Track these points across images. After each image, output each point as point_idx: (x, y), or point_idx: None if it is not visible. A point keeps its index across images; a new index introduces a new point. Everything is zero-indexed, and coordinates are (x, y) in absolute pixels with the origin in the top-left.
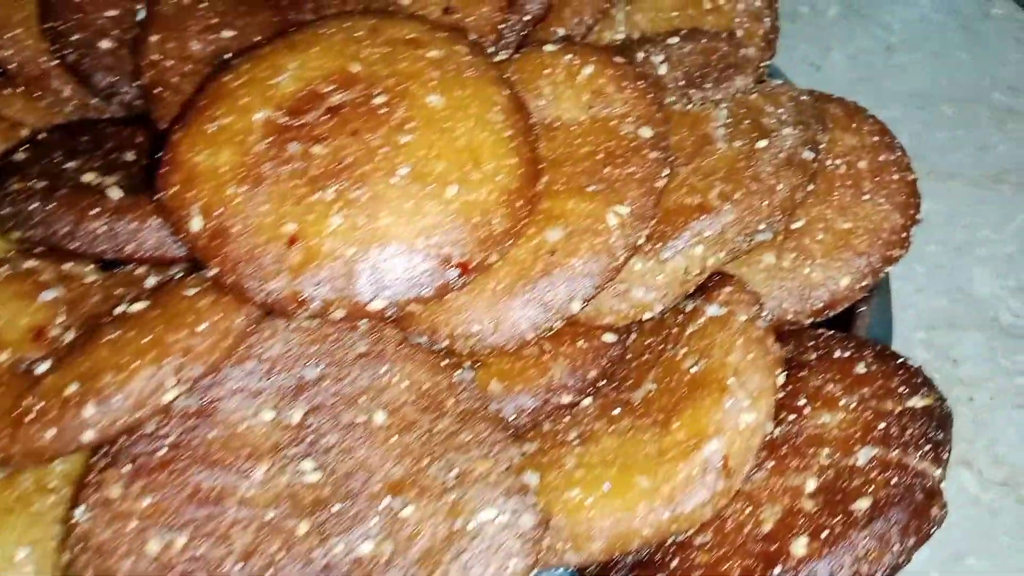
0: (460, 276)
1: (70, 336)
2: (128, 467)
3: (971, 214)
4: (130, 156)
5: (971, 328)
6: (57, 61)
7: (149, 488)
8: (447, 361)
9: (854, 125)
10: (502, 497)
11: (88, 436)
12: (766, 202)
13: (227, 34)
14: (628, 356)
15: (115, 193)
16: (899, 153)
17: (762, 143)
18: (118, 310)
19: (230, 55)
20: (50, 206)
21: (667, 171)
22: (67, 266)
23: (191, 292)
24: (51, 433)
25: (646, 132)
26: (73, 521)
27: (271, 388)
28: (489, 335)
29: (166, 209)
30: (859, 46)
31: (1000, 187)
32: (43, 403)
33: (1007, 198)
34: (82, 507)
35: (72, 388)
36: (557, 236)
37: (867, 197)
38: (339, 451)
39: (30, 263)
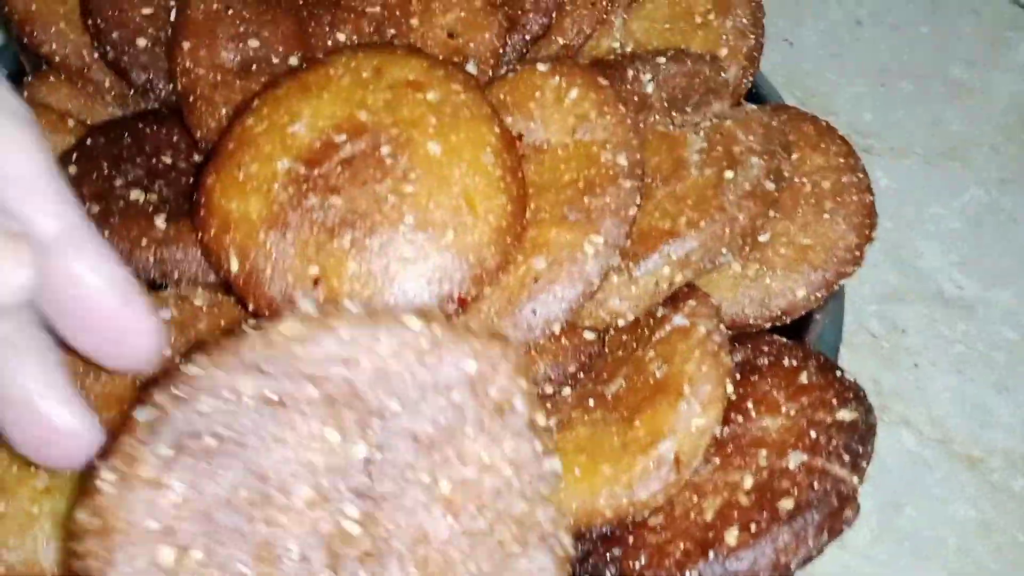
0: (458, 309)
1: None
2: (168, 451)
3: (923, 190)
4: (168, 159)
5: (917, 300)
6: (98, 55)
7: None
8: None
9: (823, 145)
10: None
11: None
12: (728, 230)
13: (253, 44)
14: (605, 351)
15: (161, 223)
16: (861, 175)
17: (729, 174)
18: None
19: (255, 66)
20: (105, 235)
21: (639, 201)
22: None
23: None
24: None
25: (622, 160)
26: (97, 484)
27: None
28: None
29: (206, 249)
30: (831, 19)
31: (951, 164)
32: None
33: (956, 174)
34: (109, 472)
35: None
36: (541, 265)
37: (827, 216)
38: None
39: None
